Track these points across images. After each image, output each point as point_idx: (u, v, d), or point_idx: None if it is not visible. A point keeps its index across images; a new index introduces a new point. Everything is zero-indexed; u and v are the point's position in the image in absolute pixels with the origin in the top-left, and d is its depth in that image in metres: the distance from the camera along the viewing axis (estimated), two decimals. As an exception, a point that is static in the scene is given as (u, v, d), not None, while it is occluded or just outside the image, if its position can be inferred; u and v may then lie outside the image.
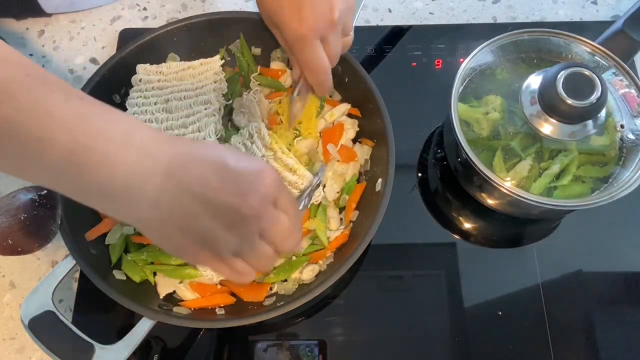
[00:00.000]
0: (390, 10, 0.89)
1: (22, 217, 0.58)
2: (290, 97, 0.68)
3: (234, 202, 0.42)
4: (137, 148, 0.40)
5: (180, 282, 0.63)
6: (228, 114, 0.72)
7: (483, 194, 0.70)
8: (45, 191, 0.60)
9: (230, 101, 0.72)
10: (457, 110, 0.64)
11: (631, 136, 0.63)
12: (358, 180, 0.69)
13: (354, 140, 0.72)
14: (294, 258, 0.64)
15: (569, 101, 0.58)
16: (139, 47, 0.70)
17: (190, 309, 0.62)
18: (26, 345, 0.67)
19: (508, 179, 0.62)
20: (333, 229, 0.66)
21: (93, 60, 0.86)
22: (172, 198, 0.41)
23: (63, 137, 0.38)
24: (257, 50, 0.76)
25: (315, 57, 0.59)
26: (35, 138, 0.37)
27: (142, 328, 0.57)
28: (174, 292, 0.64)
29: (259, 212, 0.43)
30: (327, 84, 0.63)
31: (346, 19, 0.60)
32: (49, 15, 0.87)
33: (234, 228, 0.43)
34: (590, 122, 0.62)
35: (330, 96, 0.74)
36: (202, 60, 0.69)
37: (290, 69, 0.76)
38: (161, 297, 0.63)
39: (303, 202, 0.59)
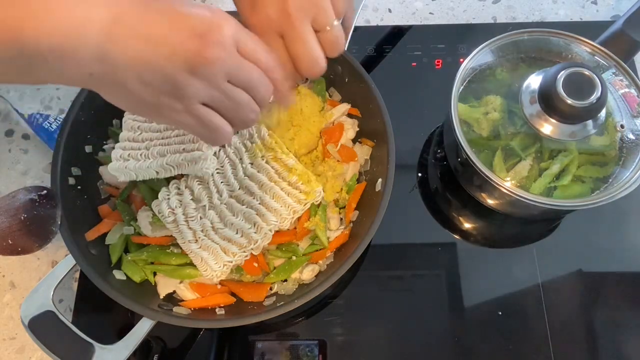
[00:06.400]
0: (390, 10, 0.89)
1: (22, 217, 0.57)
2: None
3: (190, 42, 0.38)
4: None
5: (180, 282, 0.63)
6: (228, 114, 0.72)
7: (483, 194, 0.70)
8: (45, 191, 0.60)
9: (230, 101, 0.72)
10: (457, 110, 0.64)
11: (631, 136, 0.63)
12: (358, 180, 0.69)
13: (354, 140, 0.72)
14: (293, 258, 0.64)
15: (569, 101, 0.58)
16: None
17: (190, 309, 0.62)
18: (26, 345, 0.67)
19: (508, 179, 0.62)
20: (333, 229, 0.66)
21: (93, 60, 0.86)
22: (118, 43, 0.37)
23: None
24: (257, 50, 0.76)
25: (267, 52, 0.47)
26: None
27: (142, 328, 0.57)
28: (174, 292, 0.64)
29: (220, 53, 0.39)
30: (284, 87, 0.48)
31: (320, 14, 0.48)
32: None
33: (195, 72, 0.39)
34: (590, 122, 0.62)
35: (330, 96, 0.75)
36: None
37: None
38: (161, 297, 0.63)
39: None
